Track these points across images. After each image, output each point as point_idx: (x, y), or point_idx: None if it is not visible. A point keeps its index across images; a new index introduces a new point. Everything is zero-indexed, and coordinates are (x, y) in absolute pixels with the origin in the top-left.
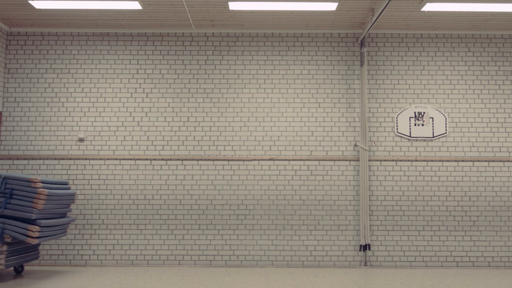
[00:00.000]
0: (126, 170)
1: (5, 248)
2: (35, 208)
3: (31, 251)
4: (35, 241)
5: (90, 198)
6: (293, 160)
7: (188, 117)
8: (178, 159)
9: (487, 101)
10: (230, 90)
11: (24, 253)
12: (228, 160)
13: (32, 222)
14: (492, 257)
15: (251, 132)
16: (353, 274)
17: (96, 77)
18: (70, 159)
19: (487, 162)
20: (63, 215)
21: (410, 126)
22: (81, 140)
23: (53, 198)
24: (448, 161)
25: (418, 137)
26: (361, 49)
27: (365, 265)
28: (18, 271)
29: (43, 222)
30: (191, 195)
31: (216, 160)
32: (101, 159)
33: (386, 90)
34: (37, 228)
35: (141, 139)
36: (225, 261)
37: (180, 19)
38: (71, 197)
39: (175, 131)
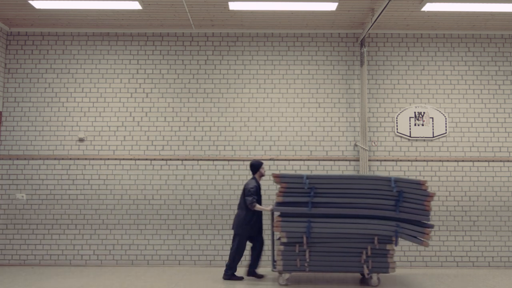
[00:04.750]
0: (126, 170)
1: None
2: (427, 211)
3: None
4: (428, 245)
5: (90, 198)
6: (293, 160)
7: (188, 117)
8: (178, 159)
9: (487, 101)
10: (230, 90)
11: None
12: (228, 160)
13: (422, 224)
14: (492, 257)
15: (251, 132)
16: (352, 273)
17: (96, 77)
18: (70, 159)
19: (487, 162)
20: None
21: (410, 126)
22: (81, 140)
23: None
24: (448, 161)
25: (418, 137)
26: (361, 49)
27: None
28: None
29: (432, 224)
30: (191, 195)
31: (216, 160)
32: (101, 159)
33: (386, 90)
34: (431, 231)
35: (141, 139)
36: (225, 261)
37: (180, 19)
38: None
39: (175, 131)
